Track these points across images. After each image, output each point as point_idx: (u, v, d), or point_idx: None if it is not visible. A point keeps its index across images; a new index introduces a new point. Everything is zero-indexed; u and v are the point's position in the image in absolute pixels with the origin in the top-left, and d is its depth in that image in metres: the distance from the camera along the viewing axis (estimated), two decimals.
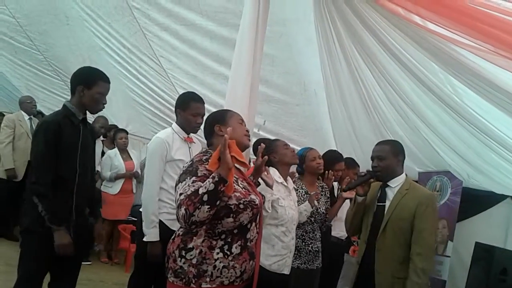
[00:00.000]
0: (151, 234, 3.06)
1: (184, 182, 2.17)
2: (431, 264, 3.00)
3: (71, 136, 2.87)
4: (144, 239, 3.06)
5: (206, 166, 2.20)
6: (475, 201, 5.75)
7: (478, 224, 5.77)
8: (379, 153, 3.22)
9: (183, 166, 2.34)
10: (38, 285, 2.85)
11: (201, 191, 2.06)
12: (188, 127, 3.28)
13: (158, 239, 3.02)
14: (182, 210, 2.07)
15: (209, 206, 2.06)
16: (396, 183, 3.17)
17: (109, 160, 6.20)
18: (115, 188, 6.20)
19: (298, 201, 3.42)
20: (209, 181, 2.07)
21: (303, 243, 3.53)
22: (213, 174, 2.09)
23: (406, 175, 3.26)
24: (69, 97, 8.44)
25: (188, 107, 3.28)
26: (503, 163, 4.89)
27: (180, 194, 2.12)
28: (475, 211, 5.88)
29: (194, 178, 2.16)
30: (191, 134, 3.38)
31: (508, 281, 5.18)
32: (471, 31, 2.63)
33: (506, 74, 2.97)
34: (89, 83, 2.93)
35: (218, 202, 2.09)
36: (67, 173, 2.84)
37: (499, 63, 2.74)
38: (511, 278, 5.18)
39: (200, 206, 2.05)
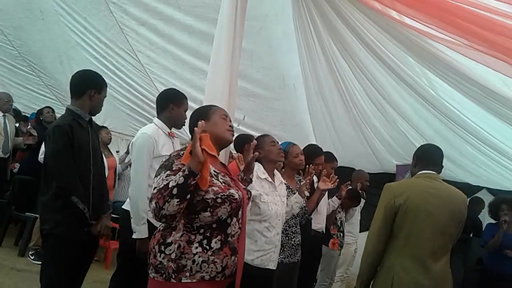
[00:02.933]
0: (141, 231, 3.03)
1: (159, 176, 2.16)
2: (363, 262, 2.96)
3: (82, 138, 2.92)
4: (134, 236, 3.03)
5: (181, 160, 2.20)
6: None
7: None
8: None
9: (161, 161, 2.33)
10: None
11: (171, 184, 2.04)
12: (179, 122, 3.30)
13: (147, 235, 3.00)
14: (153, 204, 2.06)
15: (178, 200, 2.02)
16: None
17: None
18: None
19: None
20: (179, 175, 2.06)
21: (286, 238, 3.55)
22: (183, 168, 2.09)
23: (416, 174, 3.08)
24: (44, 93, 8.19)
25: (182, 103, 3.31)
26: (478, 155, 5.01)
27: (154, 188, 2.11)
28: None
29: (168, 172, 2.15)
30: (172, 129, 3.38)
31: (484, 270, 5.32)
32: (446, 26, 2.67)
33: (480, 68, 3.04)
34: (99, 87, 3.03)
35: (188, 196, 2.07)
36: (82, 176, 2.87)
37: (474, 56, 2.80)
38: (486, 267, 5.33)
39: (169, 200, 2.02)
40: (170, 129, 3.31)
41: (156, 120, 3.29)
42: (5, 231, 5.91)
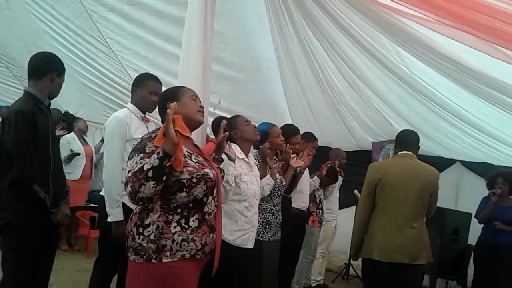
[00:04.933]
0: (115, 214, 3.02)
1: (132, 160, 2.15)
2: (354, 229, 3.73)
3: (43, 124, 2.83)
4: (108, 219, 3.03)
5: (154, 142, 2.20)
6: None
7: None
8: None
9: (133, 144, 2.32)
10: (27, 281, 2.81)
11: (146, 167, 2.04)
12: (144, 105, 3.24)
13: (122, 218, 3.00)
14: (129, 187, 2.06)
15: (154, 182, 2.04)
16: None
17: (68, 145, 6.02)
18: (75, 174, 6.01)
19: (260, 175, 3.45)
20: (154, 157, 2.05)
21: (272, 216, 3.59)
22: (158, 150, 2.09)
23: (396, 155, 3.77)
24: (14, 84, 8.00)
25: (144, 85, 3.25)
26: (451, 128, 5.11)
27: (128, 171, 2.11)
28: None
29: (141, 155, 2.14)
30: (147, 114, 3.35)
31: (460, 241, 5.47)
32: (415, 1, 2.70)
33: (449, 42, 3.08)
34: (60, 71, 2.95)
35: (163, 178, 2.09)
36: (43, 163, 2.81)
37: (443, 31, 2.84)
38: (462, 238, 5.48)
39: (145, 183, 2.03)
40: (144, 113, 3.28)
41: (129, 104, 3.28)
42: None
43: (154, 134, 2.27)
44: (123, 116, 3.14)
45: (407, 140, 3.71)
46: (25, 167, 2.72)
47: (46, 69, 2.89)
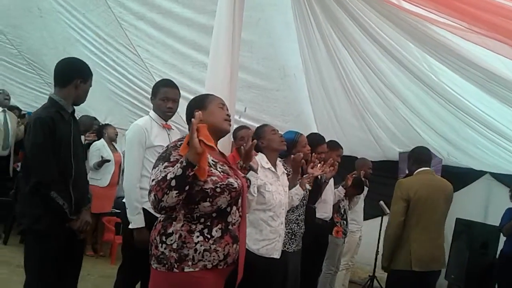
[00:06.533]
0: (136, 221, 3.05)
1: (157, 168, 2.15)
2: (386, 242, 3.88)
3: (64, 131, 2.81)
4: (130, 226, 3.05)
5: (179, 151, 2.20)
6: (455, 178, 5.83)
7: (459, 201, 5.86)
8: None
9: (159, 152, 2.34)
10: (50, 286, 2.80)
11: (169, 176, 2.04)
12: (160, 113, 3.27)
13: (143, 225, 3.02)
14: (152, 196, 2.06)
15: (177, 192, 2.03)
16: None
17: (98, 152, 6.12)
18: (104, 180, 6.11)
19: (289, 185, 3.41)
20: (177, 166, 2.05)
21: (298, 227, 3.57)
22: (181, 159, 2.07)
23: (416, 171, 3.95)
24: (45, 91, 8.19)
25: (157, 93, 3.28)
26: (480, 138, 4.99)
27: (152, 180, 2.12)
28: (455, 188, 5.98)
29: (166, 163, 2.14)
30: (170, 122, 3.37)
31: (489, 254, 5.33)
32: (445, 9, 2.66)
33: (479, 50, 3.02)
34: (86, 77, 2.92)
35: (186, 187, 2.07)
36: (63, 170, 2.78)
37: (473, 39, 2.79)
38: (491, 251, 5.34)
39: (168, 192, 2.03)
40: (166, 121, 3.31)
41: (151, 112, 3.33)
42: (10, 230, 5.93)
43: (179, 143, 2.27)
44: (143, 123, 3.18)
45: (423, 156, 4.00)
46: (41, 173, 2.70)
47: (71, 76, 2.86)
